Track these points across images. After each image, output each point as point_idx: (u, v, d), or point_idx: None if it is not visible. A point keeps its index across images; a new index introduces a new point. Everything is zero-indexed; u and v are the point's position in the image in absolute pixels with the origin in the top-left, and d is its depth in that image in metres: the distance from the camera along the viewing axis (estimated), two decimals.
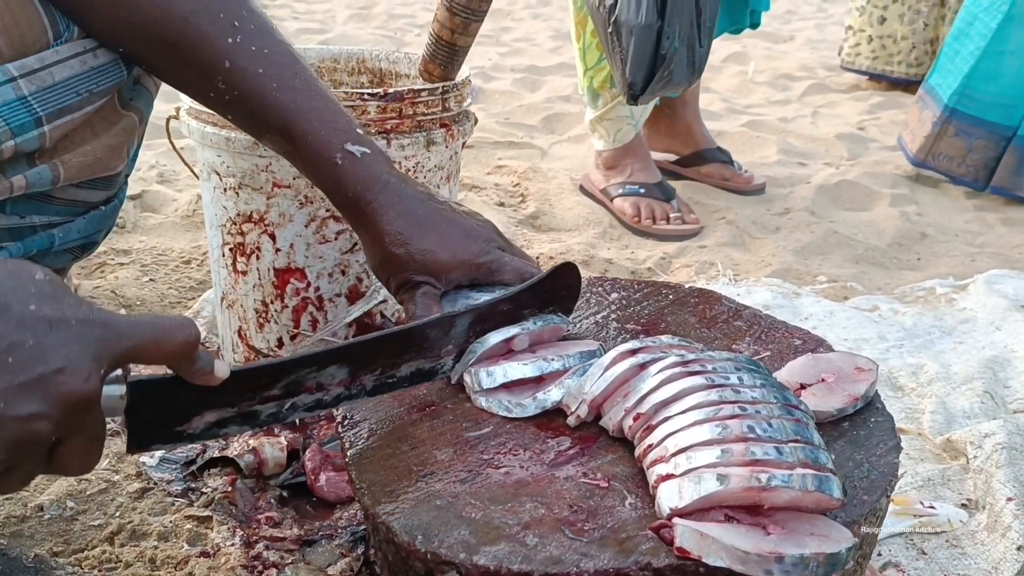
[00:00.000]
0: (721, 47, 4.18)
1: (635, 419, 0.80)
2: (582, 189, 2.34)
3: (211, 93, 0.92)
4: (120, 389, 0.64)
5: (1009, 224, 2.30)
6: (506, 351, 0.92)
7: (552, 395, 0.87)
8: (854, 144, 2.92)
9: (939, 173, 2.53)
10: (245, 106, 0.93)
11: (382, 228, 0.94)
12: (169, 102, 1.44)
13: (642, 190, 2.19)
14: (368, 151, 0.95)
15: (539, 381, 0.89)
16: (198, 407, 0.73)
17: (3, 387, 0.56)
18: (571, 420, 0.85)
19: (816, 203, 2.34)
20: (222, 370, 0.70)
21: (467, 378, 0.90)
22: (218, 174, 1.28)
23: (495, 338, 0.91)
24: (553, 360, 0.88)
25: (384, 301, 1.21)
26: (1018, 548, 1.06)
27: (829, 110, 3.41)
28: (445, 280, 0.95)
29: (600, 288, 1.12)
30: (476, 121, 1.39)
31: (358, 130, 0.96)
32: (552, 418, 0.87)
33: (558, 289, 0.97)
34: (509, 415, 0.87)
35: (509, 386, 0.89)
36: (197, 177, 1.39)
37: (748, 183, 2.40)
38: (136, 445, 0.72)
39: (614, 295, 1.11)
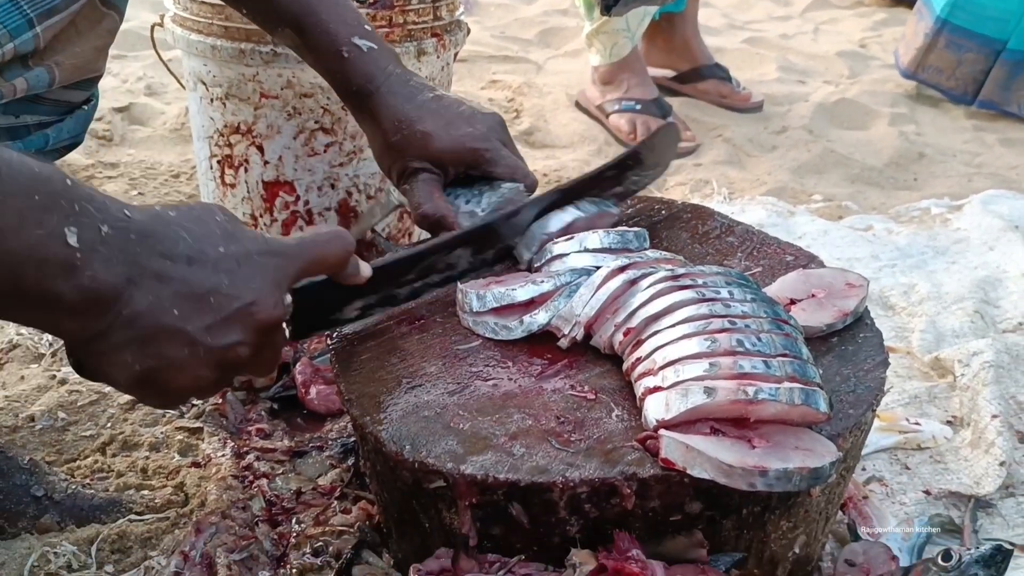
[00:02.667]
0: None
1: (625, 334, 0.80)
2: (578, 105, 2.31)
3: None
4: (288, 298, 0.73)
5: (1008, 144, 2.28)
6: (565, 235, 0.93)
7: (539, 318, 0.85)
8: (855, 62, 2.87)
9: (929, 86, 2.50)
10: None
11: (384, 115, 0.96)
12: (155, 11, 1.41)
13: (638, 106, 2.16)
14: (375, 46, 0.97)
15: (527, 303, 0.88)
16: (348, 298, 0.84)
17: (209, 323, 0.64)
18: (563, 343, 0.84)
19: (814, 122, 2.31)
20: (367, 270, 0.80)
21: (459, 296, 0.90)
22: (204, 84, 1.26)
23: (555, 225, 0.93)
24: (544, 282, 0.87)
25: (400, 206, 1.17)
26: (1000, 463, 1.07)
27: (831, 27, 3.34)
28: (442, 166, 0.96)
29: None
30: (468, 32, 1.36)
31: (366, 26, 0.98)
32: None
33: (660, 148, 1.03)
34: (495, 337, 0.87)
35: (497, 309, 0.88)
36: (184, 88, 1.36)
37: (746, 101, 2.36)
38: (297, 334, 0.81)
39: None
